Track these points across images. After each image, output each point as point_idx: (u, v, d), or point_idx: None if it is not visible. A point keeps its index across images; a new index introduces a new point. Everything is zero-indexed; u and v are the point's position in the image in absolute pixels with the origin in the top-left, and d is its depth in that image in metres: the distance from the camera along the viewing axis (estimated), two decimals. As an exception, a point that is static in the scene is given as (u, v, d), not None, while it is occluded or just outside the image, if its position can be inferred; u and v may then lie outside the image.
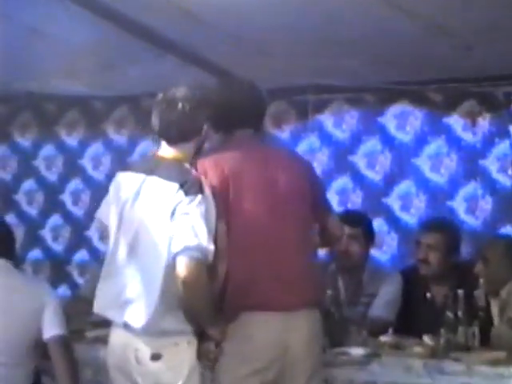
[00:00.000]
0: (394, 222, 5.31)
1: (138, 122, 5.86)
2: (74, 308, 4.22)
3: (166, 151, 3.25)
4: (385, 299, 4.38)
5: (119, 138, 6.03)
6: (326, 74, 4.80)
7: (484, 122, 5.08)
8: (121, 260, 3.18)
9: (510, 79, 4.85)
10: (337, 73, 4.79)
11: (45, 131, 6.26)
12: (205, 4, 3.83)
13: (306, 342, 3.24)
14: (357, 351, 3.66)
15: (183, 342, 3.11)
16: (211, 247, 3.01)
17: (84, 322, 4.07)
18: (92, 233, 6.00)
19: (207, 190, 3.10)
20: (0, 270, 3.76)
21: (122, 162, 5.48)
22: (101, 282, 3.24)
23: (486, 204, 5.07)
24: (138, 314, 3.09)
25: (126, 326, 3.13)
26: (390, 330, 4.10)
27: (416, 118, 5.27)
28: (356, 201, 5.41)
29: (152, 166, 3.22)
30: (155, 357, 3.08)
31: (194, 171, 3.17)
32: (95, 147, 6.11)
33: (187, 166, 3.19)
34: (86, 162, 6.14)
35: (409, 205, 5.28)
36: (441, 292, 4.29)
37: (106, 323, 3.35)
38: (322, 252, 4.21)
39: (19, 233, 5.78)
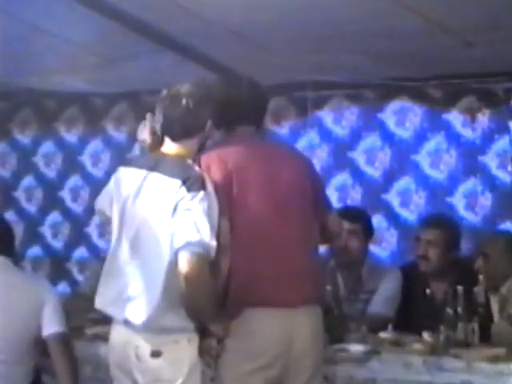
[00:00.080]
0: (393, 218, 5.32)
1: (137, 119, 5.83)
2: (74, 305, 4.22)
3: (169, 147, 3.24)
4: (384, 295, 4.38)
5: (118, 134, 6.03)
6: (326, 70, 4.79)
7: (483, 118, 5.08)
8: (123, 257, 3.18)
9: (509, 75, 4.84)
10: (336, 69, 4.79)
11: (44, 128, 6.26)
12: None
13: (309, 338, 3.24)
14: (356, 348, 3.65)
15: (183, 339, 3.10)
16: (213, 243, 3.01)
17: (84, 319, 4.06)
18: (91, 229, 6.01)
19: (210, 187, 3.10)
20: (-1, 267, 3.77)
21: (121, 158, 5.47)
22: (103, 279, 3.24)
23: (486, 200, 5.07)
24: (138, 310, 3.09)
25: (127, 323, 3.13)
26: (390, 327, 4.10)
27: (415, 114, 5.27)
28: (355, 197, 5.41)
29: (154, 162, 3.22)
30: (155, 354, 3.07)
31: (196, 167, 3.17)
32: (94, 144, 6.12)
33: (190, 162, 3.19)
34: (86, 159, 6.14)
35: (408, 201, 5.29)
36: (440, 288, 4.29)
37: (105, 320, 3.35)
38: (321, 248, 4.21)
39: (19, 230, 5.78)
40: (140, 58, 4.63)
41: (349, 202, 5.36)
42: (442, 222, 4.53)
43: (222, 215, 3.12)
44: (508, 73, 4.81)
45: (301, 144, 5.46)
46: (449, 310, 3.73)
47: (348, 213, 4.46)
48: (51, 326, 3.68)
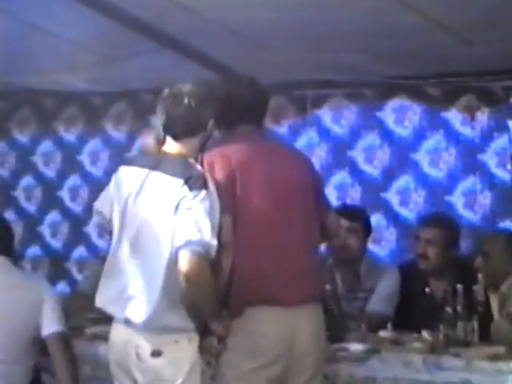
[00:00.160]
0: (392, 216, 5.31)
1: (136, 118, 5.85)
2: (73, 304, 4.23)
3: (171, 146, 3.24)
4: (383, 294, 4.38)
5: (118, 133, 6.02)
6: (325, 69, 4.80)
7: (483, 117, 5.08)
8: (123, 256, 3.17)
9: (508, 73, 4.84)
10: (335, 68, 4.79)
11: (43, 127, 6.25)
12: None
13: (311, 336, 3.24)
14: (356, 347, 3.66)
15: (184, 339, 3.10)
16: (214, 242, 3.01)
17: (83, 318, 4.07)
18: (91, 229, 6.00)
19: (212, 186, 3.09)
20: (-1, 266, 3.77)
21: (120, 157, 5.47)
22: (103, 278, 3.24)
23: (485, 199, 5.07)
24: (139, 308, 3.09)
25: (127, 322, 3.13)
26: (389, 325, 4.10)
27: (414, 112, 5.27)
28: (355, 196, 5.41)
29: (156, 161, 3.21)
30: (156, 353, 3.07)
31: (198, 166, 3.17)
32: (93, 143, 6.11)
33: (192, 161, 3.19)
34: (85, 158, 6.13)
35: (407, 200, 5.29)
36: (440, 287, 4.29)
37: (104, 320, 3.35)
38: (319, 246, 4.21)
39: (18, 229, 5.77)
40: (139, 57, 4.63)
41: (348, 200, 5.35)
42: (442, 220, 4.53)
43: (224, 212, 3.12)
44: (507, 71, 4.81)
45: (300, 143, 5.45)
46: (448, 309, 3.73)
47: (347, 211, 4.47)
48: (50, 325, 3.68)
